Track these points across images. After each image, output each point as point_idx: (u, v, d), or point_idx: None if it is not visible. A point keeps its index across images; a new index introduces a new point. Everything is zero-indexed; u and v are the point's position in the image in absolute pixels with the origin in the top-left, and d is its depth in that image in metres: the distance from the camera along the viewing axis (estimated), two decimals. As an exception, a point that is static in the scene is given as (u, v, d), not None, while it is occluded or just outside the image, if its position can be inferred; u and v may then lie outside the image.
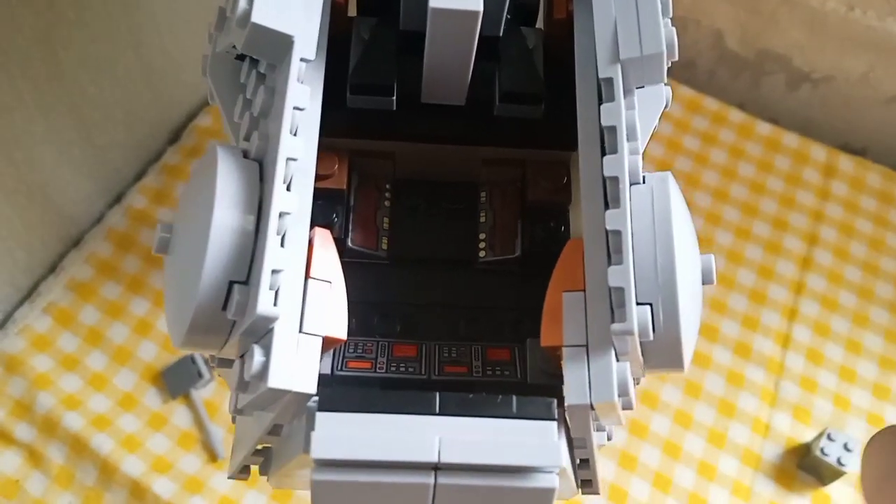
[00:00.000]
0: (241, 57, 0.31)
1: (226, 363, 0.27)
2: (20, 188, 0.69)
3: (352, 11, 0.34)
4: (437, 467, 0.26)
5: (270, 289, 0.24)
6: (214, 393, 0.72)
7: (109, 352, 0.73)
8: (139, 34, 0.72)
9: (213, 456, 0.70)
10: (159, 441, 0.70)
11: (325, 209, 0.29)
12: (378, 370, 0.29)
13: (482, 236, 0.32)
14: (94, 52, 0.69)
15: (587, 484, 0.29)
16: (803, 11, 0.76)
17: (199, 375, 0.72)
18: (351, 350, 0.29)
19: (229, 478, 0.30)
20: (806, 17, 0.76)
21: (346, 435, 0.25)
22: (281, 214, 0.24)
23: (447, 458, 0.25)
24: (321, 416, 0.26)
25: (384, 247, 0.32)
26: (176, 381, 0.72)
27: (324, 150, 0.29)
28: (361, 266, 0.28)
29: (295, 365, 0.24)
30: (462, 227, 0.32)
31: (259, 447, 0.29)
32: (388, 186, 0.33)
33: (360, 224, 0.32)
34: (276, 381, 0.24)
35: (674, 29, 0.29)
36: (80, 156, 0.73)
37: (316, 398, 0.26)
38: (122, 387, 0.72)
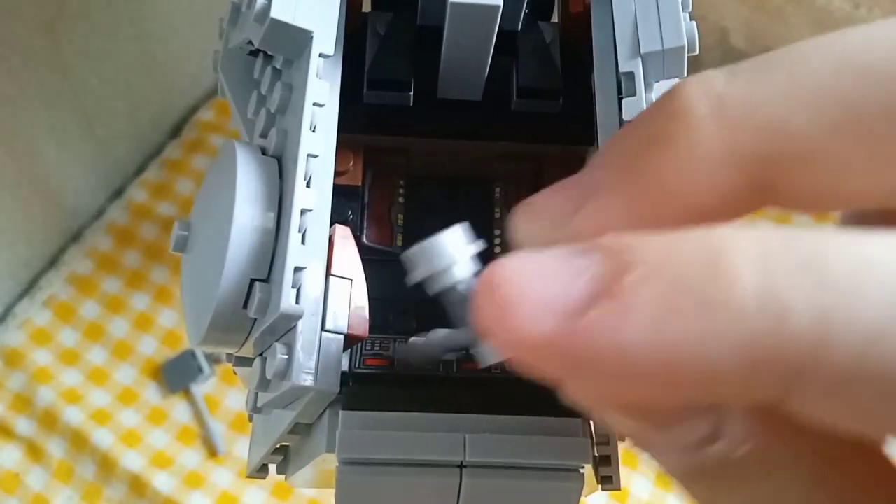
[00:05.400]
0: (254, 52, 0.31)
1: (243, 362, 0.27)
2: (21, 180, 0.69)
3: (366, 7, 0.34)
4: (462, 465, 0.25)
5: (293, 287, 0.23)
6: (214, 388, 0.72)
7: (109, 346, 0.73)
8: (141, 25, 0.72)
9: (213, 451, 0.70)
10: (159, 436, 0.70)
11: (341, 206, 0.29)
12: (396, 367, 0.28)
13: (497, 232, 0.32)
14: (97, 43, 0.69)
15: (608, 480, 0.29)
16: (809, 9, 0.76)
17: (200, 370, 0.71)
18: (368, 347, 0.28)
19: (248, 476, 0.30)
20: (812, 15, 0.76)
21: (371, 434, 0.25)
22: (302, 212, 0.24)
23: (473, 457, 0.25)
24: (345, 415, 0.25)
25: (399, 243, 0.32)
26: (176, 376, 0.72)
27: (339, 146, 0.28)
28: (376, 262, 0.28)
29: (318, 363, 0.24)
30: (477, 224, 0.31)
31: (277, 446, 0.29)
32: (401, 182, 0.33)
33: (374, 220, 0.32)
34: (299, 378, 0.24)
35: (694, 23, 0.29)
36: (82, 148, 0.73)
37: (339, 396, 0.25)
38: (122, 381, 0.72)
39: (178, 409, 0.71)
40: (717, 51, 0.81)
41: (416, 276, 0.21)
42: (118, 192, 0.79)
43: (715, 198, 0.18)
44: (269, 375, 0.24)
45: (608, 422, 0.20)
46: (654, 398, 0.17)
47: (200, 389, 0.72)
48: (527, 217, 0.21)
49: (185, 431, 0.71)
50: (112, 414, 0.70)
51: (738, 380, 0.15)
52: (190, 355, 0.72)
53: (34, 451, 0.69)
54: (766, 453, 0.17)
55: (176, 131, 0.82)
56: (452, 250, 0.21)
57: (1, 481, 0.68)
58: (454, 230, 0.22)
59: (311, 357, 0.24)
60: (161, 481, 0.68)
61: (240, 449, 0.70)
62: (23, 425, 0.69)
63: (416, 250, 0.21)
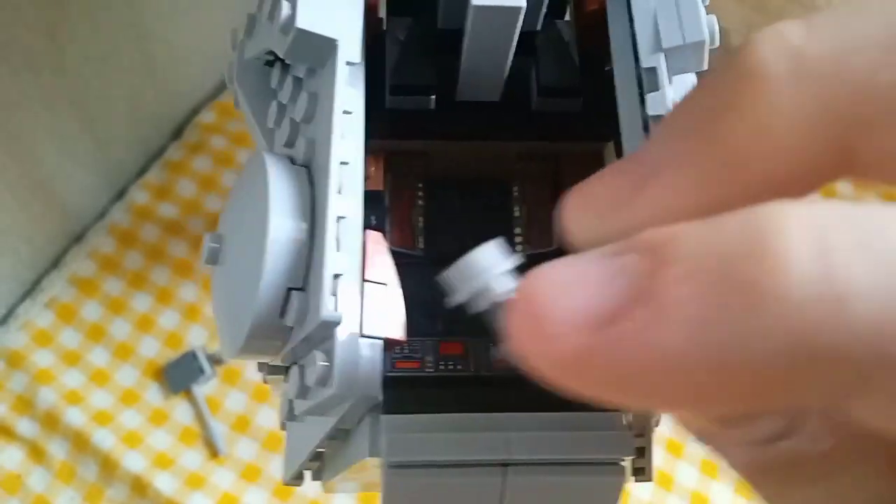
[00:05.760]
0: (270, 62, 0.31)
1: (276, 370, 0.27)
2: (23, 182, 0.68)
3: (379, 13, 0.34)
4: (506, 464, 0.26)
5: (331, 294, 0.24)
6: (216, 389, 0.72)
7: (111, 347, 0.73)
8: (142, 27, 0.72)
9: (214, 452, 0.70)
10: (161, 437, 0.70)
11: (364, 210, 0.29)
12: (427, 369, 0.29)
13: (518, 231, 0.32)
14: (98, 45, 0.69)
15: (640, 472, 0.29)
16: (809, 11, 0.76)
17: (201, 372, 0.71)
18: (397, 350, 0.29)
19: (285, 484, 0.30)
20: (812, 16, 0.76)
21: (416, 437, 0.25)
22: (337, 219, 0.24)
23: (516, 455, 0.25)
24: (389, 419, 0.26)
25: (421, 245, 0.32)
26: (177, 377, 0.72)
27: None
28: (400, 265, 0.28)
29: (358, 369, 0.25)
30: (497, 223, 0.32)
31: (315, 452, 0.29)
32: (420, 185, 0.33)
33: (396, 224, 0.32)
34: (341, 385, 0.24)
35: (713, 16, 0.29)
36: (83, 150, 0.73)
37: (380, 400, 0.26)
38: (123, 383, 0.72)
39: (180, 411, 0.71)
40: (717, 52, 0.82)
41: (456, 298, 0.20)
42: (120, 194, 0.79)
43: (797, 167, 0.16)
44: (309, 383, 0.24)
45: (675, 421, 0.19)
46: (705, 409, 0.16)
47: (202, 390, 0.72)
48: (578, 206, 0.19)
49: (187, 432, 0.71)
50: (114, 415, 0.70)
51: (797, 381, 0.13)
52: (191, 356, 0.72)
53: (36, 453, 0.69)
54: (843, 448, 0.16)
55: (177, 133, 0.82)
56: (488, 266, 0.20)
57: (3, 483, 0.67)
58: (487, 245, 0.21)
59: (352, 363, 0.24)
60: (162, 482, 0.68)
61: (241, 450, 0.70)
62: (24, 426, 0.69)
63: (451, 272, 0.20)
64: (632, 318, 0.13)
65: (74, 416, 0.69)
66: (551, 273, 0.15)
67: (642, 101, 0.29)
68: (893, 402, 0.13)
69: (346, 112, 0.26)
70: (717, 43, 0.29)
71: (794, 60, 0.16)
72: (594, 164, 0.33)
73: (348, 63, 0.27)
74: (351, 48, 0.27)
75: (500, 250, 0.20)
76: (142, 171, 0.80)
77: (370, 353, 0.25)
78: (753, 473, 0.18)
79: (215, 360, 0.73)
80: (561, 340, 0.14)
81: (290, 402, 0.26)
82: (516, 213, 0.33)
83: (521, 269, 0.19)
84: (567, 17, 0.35)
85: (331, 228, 0.24)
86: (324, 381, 0.24)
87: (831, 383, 0.13)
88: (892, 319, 0.12)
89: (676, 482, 0.70)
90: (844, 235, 0.13)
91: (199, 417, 0.71)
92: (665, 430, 0.72)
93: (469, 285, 0.20)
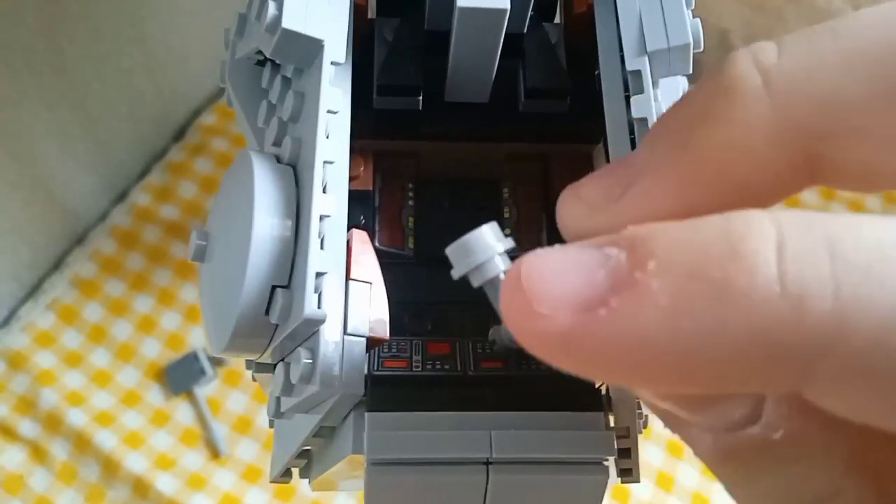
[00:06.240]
0: (261, 62, 0.31)
1: (263, 368, 0.27)
2: (24, 183, 0.69)
3: (370, 13, 0.34)
4: (488, 462, 0.26)
5: (314, 292, 0.24)
6: (217, 390, 0.73)
7: (113, 349, 0.73)
8: (142, 28, 0.72)
9: (215, 453, 0.70)
10: (162, 438, 0.70)
11: (353, 210, 0.29)
12: (414, 368, 0.29)
13: (507, 232, 0.32)
14: (98, 46, 0.69)
15: (627, 473, 0.29)
16: (809, 10, 0.76)
17: (202, 373, 0.72)
18: (385, 349, 0.29)
19: (271, 481, 0.30)
20: (812, 15, 0.76)
21: (398, 434, 0.25)
22: (321, 218, 0.25)
23: (499, 454, 0.26)
24: (372, 417, 0.26)
25: (410, 246, 0.32)
26: (179, 378, 0.72)
27: (350, 151, 0.29)
28: (389, 266, 0.28)
29: (341, 366, 0.25)
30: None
31: (301, 450, 0.29)
32: (411, 185, 0.33)
33: (386, 224, 0.32)
34: (324, 382, 0.24)
35: (698, 20, 0.29)
36: (84, 151, 0.73)
37: (363, 398, 0.26)
38: (125, 384, 0.72)
39: (181, 412, 0.72)
40: (717, 52, 0.82)
41: (459, 270, 0.22)
42: (121, 196, 0.79)
43: (767, 175, 0.18)
44: (293, 380, 0.24)
45: (644, 402, 0.20)
46: (675, 390, 0.18)
47: (203, 392, 0.72)
48: (571, 202, 0.21)
49: (188, 433, 0.71)
50: (115, 416, 0.70)
51: (755, 369, 0.14)
52: (193, 358, 0.72)
53: (38, 453, 0.69)
54: (801, 438, 0.17)
55: (179, 135, 0.83)
56: (486, 246, 0.22)
57: (5, 483, 0.68)
58: (491, 225, 0.22)
59: (335, 361, 0.25)
60: (164, 483, 0.68)
61: (242, 451, 0.70)
62: (26, 427, 0.70)
63: (452, 248, 0.22)
64: (611, 305, 0.15)
65: (76, 417, 0.70)
66: (544, 258, 0.17)
67: (628, 104, 0.29)
68: (837, 386, 0.14)
69: (331, 112, 0.26)
70: (702, 46, 0.29)
71: (766, 78, 0.18)
72: (584, 165, 0.33)
73: (334, 63, 0.27)
74: (337, 48, 0.28)
75: (498, 232, 0.22)
76: (143, 173, 0.80)
77: (354, 350, 0.25)
78: (717, 460, 0.19)
79: (216, 362, 0.73)
80: (548, 320, 0.16)
81: (277, 399, 0.26)
82: (506, 215, 0.33)
83: (512, 257, 0.20)
84: (557, 20, 0.35)
85: (314, 227, 0.24)
86: (307, 378, 0.24)
87: (784, 371, 0.14)
88: (836, 318, 0.14)
89: (677, 483, 0.70)
90: (802, 244, 0.14)
91: (201, 418, 0.71)
92: (666, 431, 0.71)
93: (467, 262, 0.21)
